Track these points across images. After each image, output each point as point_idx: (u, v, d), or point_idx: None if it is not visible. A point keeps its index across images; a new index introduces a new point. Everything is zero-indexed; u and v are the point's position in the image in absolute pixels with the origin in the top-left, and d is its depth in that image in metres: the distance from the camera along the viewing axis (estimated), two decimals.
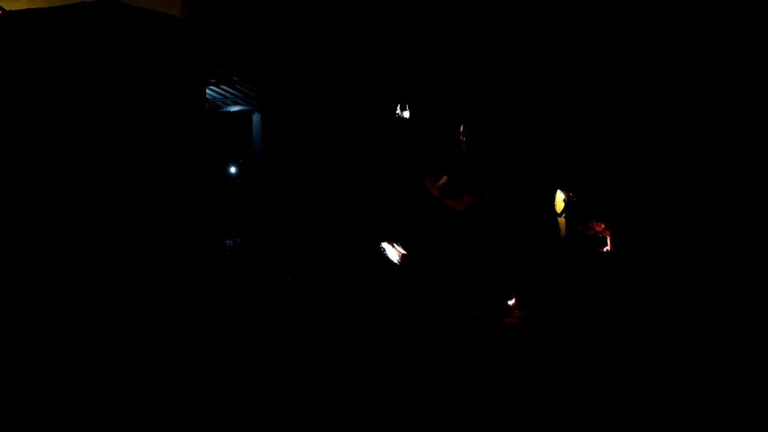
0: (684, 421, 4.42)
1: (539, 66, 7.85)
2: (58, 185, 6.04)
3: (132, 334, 5.73)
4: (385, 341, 6.36)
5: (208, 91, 10.18)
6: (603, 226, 7.19)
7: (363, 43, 8.63)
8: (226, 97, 11.39)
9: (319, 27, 8.47)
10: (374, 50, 8.69)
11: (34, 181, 6.07)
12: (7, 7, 6.73)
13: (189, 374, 5.40)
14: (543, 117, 7.76)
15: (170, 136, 6.64)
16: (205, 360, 5.72)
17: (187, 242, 6.72)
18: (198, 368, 5.54)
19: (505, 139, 7.50)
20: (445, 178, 5.47)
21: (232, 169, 12.71)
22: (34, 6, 6.54)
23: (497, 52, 7.94)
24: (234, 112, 12.04)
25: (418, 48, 8.45)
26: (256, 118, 12.02)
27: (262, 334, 6.54)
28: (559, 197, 7.42)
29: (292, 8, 8.20)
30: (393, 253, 5.70)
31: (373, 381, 5.36)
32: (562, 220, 7.40)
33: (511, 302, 6.76)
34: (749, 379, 4.96)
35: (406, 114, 5.98)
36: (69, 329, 5.60)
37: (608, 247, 7.18)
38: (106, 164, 6.08)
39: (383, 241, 5.71)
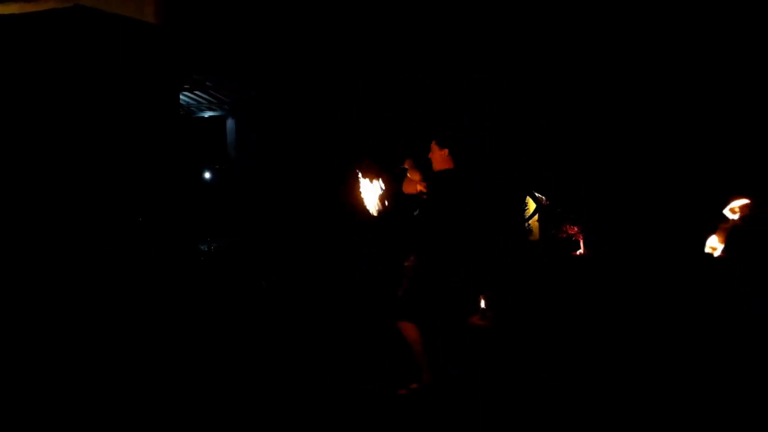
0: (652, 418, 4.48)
1: (512, 71, 7.89)
2: (24, 191, 5.99)
3: (102, 338, 5.70)
4: (355, 343, 6.34)
5: (182, 96, 10.13)
6: (576, 229, 7.25)
7: (340, 47, 8.62)
8: (200, 102, 11.32)
9: (295, 31, 8.45)
10: (350, 55, 8.68)
11: None
12: None
13: (158, 376, 5.35)
14: (516, 123, 7.82)
15: (143, 141, 6.61)
16: (175, 362, 5.69)
17: (161, 247, 6.68)
18: (168, 370, 5.50)
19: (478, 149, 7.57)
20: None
21: (207, 175, 12.64)
22: (6, 12, 6.47)
23: (473, 61, 7.98)
24: (208, 117, 11.98)
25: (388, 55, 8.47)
26: (230, 123, 11.97)
27: (234, 338, 6.53)
28: (531, 201, 7.49)
29: (267, 13, 8.17)
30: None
31: (341, 381, 5.34)
32: (534, 223, 7.47)
33: (482, 305, 6.82)
34: (715, 376, 5.03)
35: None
36: (36, 333, 5.56)
37: (581, 250, 7.24)
38: (74, 170, 6.04)
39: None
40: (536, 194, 7.42)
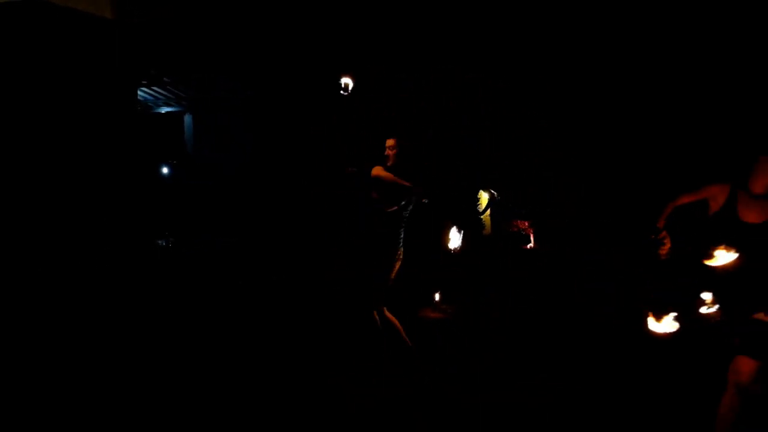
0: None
1: (511, 71, 7.91)
2: None
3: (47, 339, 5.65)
4: (355, 343, 6.34)
5: (139, 92, 10.07)
6: (527, 223, 7.36)
7: (335, 46, 8.57)
8: (157, 98, 11.28)
9: (255, 27, 8.41)
10: (345, 55, 8.65)
11: None
12: None
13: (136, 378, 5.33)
14: (516, 123, 7.86)
15: (98, 136, 6.56)
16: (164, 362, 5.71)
17: (115, 244, 6.62)
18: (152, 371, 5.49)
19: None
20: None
21: (164, 170, 12.57)
22: None
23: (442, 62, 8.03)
24: (165, 113, 11.94)
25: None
26: (187, 119, 11.94)
27: (226, 338, 6.52)
28: (484, 196, 7.55)
29: (227, 9, 8.13)
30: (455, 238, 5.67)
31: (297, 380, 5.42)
32: (486, 217, 7.54)
33: (436, 298, 6.92)
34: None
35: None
36: None
37: (532, 244, 7.36)
38: (24, 167, 6.01)
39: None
40: (489, 189, 7.50)
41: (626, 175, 7.47)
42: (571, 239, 7.51)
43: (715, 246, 3.76)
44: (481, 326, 6.64)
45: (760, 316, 3.87)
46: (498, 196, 7.43)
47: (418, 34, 7.78)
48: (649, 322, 4.24)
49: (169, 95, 11.03)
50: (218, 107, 11.74)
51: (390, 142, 5.54)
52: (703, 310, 3.92)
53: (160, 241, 10.04)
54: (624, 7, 6.94)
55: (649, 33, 6.98)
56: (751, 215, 3.94)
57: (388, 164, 5.54)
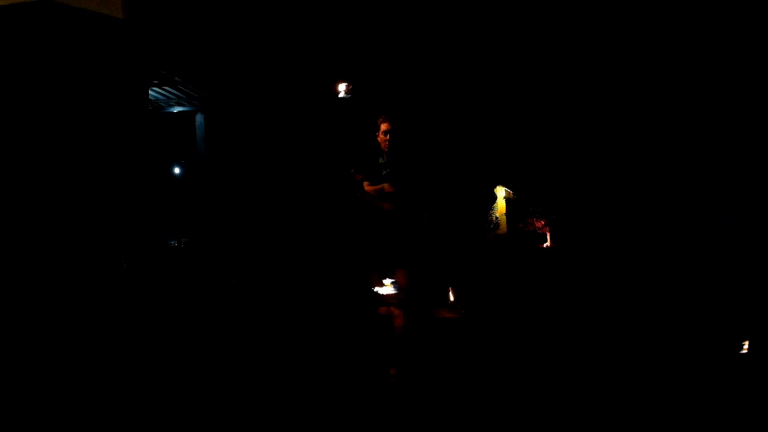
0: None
1: (510, 71, 7.84)
2: None
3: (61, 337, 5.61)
4: (321, 339, 6.30)
5: (150, 92, 10.03)
6: (543, 222, 7.33)
7: (325, 47, 8.52)
8: (169, 98, 11.25)
9: (262, 26, 8.39)
10: (336, 56, 8.60)
11: None
12: None
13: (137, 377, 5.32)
14: (483, 115, 7.80)
15: (110, 136, 6.55)
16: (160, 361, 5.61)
17: (127, 244, 6.61)
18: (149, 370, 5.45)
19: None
20: (386, 185, 5.22)
21: (176, 170, 12.59)
22: None
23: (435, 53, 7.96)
24: (177, 113, 11.92)
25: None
26: (199, 118, 11.92)
27: (201, 334, 6.44)
28: (500, 195, 7.56)
29: (235, 8, 8.11)
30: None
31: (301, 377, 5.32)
32: (502, 217, 7.54)
33: (451, 297, 6.89)
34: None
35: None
36: None
37: (548, 243, 7.33)
38: (37, 166, 5.98)
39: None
40: (504, 188, 7.49)
41: (626, 175, 7.41)
42: (571, 239, 7.48)
43: None
44: (483, 325, 6.63)
45: None
46: (514, 194, 7.42)
47: (418, 34, 7.75)
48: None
49: (180, 95, 11.01)
50: (219, 107, 11.68)
51: (383, 125, 5.09)
52: None
53: (171, 242, 10.03)
54: (624, 7, 6.91)
55: (649, 33, 6.94)
56: None
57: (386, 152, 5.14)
